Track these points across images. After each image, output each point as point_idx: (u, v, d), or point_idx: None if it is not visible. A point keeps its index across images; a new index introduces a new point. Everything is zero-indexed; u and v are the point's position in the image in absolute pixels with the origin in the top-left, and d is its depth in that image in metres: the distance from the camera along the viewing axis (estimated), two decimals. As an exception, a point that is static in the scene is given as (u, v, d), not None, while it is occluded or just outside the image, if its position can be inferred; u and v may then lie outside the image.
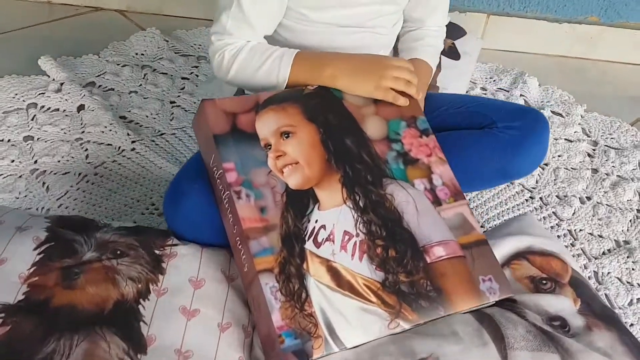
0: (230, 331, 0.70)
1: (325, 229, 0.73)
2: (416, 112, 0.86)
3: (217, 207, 0.77)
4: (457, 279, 0.73)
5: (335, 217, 0.74)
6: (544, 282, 0.81)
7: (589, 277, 0.99)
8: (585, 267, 1.01)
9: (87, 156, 1.12)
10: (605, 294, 0.96)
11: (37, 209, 1.00)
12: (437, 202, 0.79)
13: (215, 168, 0.77)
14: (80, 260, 0.73)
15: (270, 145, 0.77)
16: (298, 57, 0.83)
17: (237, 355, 0.69)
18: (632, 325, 0.91)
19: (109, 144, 1.15)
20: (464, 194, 0.81)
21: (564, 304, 0.77)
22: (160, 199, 1.04)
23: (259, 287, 0.68)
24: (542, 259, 0.84)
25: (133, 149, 1.14)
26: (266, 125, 0.78)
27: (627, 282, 0.99)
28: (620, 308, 0.94)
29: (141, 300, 0.70)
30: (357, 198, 0.76)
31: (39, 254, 0.73)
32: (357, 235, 0.73)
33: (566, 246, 1.05)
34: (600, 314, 0.77)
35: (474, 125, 0.91)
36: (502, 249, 0.85)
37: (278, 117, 0.79)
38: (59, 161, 1.10)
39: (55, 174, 1.07)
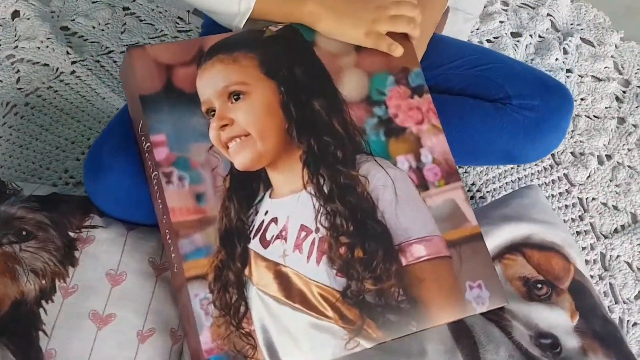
0: (153, 340, 0.59)
1: (276, 223, 0.59)
2: (409, 63, 0.68)
3: (148, 185, 0.62)
4: (438, 285, 0.60)
5: (291, 207, 0.60)
6: (539, 286, 0.68)
7: (595, 261, 0.86)
8: (592, 248, 0.88)
9: (18, 79, 0.94)
10: (610, 284, 0.84)
11: (-45, 148, 0.85)
12: (423, 185, 0.63)
13: (143, 138, 0.60)
14: (-23, 243, 0.60)
15: (214, 110, 0.60)
16: None
17: (158, 372, 0.58)
18: (635, 324, 0.80)
19: (45, 64, 0.96)
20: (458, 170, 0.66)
21: (558, 319, 0.65)
22: (101, 140, 0.88)
23: (188, 297, 0.55)
24: (541, 255, 0.71)
25: (73, 72, 0.96)
26: (210, 83, 0.61)
27: (638, 269, 0.86)
28: (624, 302, 0.83)
29: (43, 302, 0.58)
30: (322, 182, 0.61)
31: None
32: (317, 230, 0.59)
33: (573, 219, 0.91)
34: (599, 332, 0.65)
35: (484, 95, 0.73)
36: (496, 239, 0.72)
37: (227, 72, 0.61)
38: (-16, 86, 0.92)
39: (-22, 102, 0.91)
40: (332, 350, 0.56)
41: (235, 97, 0.60)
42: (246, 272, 0.57)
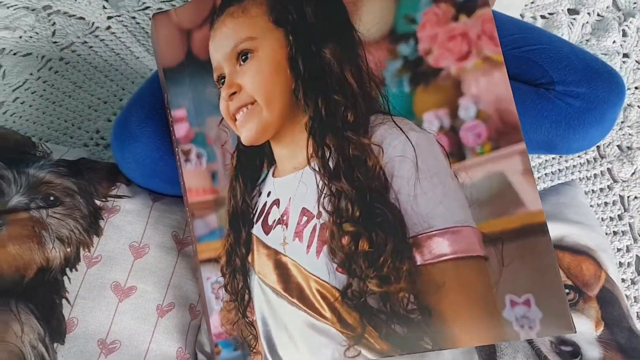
0: (172, 315, 0.60)
1: (278, 206, 0.52)
2: None
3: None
4: (462, 295, 0.46)
5: (293, 186, 0.51)
6: (567, 291, 0.66)
7: (628, 264, 0.83)
8: (628, 250, 0.84)
9: (54, 32, 0.94)
10: (643, 292, 0.81)
11: (-10, 101, 0.86)
12: (457, 153, 0.48)
13: (168, 110, 0.59)
14: (6, 207, 0.61)
15: (225, 77, 0.54)
16: None
17: (175, 347, 0.59)
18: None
19: (81, 18, 0.95)
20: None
21: (582, 327, 0.63)
22: (132, 101, 0.88)
23: (201, 279, 0.55)
24: (572, 259, 0.68)
25: (108, 28, 0.95)
26: (221, 45, 0.53)
27: (675, 277, 0.82)
28: (654, 313, 0.79)
29: (67, 270, 0.59)
30: (327, 154, 0.50)
31: (-44, 194, 0.61)
32: (319, 215, 0.50)
33: (612, 218, 0.87)
34: (623, 345, 0.63)
35: (527, 79, 0.67)
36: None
37: (236, 28, 0.53)
38: (20, 37, 0.92)
39: (15, 54, 0.91)
40: (330, 354, 0.50)
41: (243, 57, 0.52)
42: (249, 258, 0.53)
